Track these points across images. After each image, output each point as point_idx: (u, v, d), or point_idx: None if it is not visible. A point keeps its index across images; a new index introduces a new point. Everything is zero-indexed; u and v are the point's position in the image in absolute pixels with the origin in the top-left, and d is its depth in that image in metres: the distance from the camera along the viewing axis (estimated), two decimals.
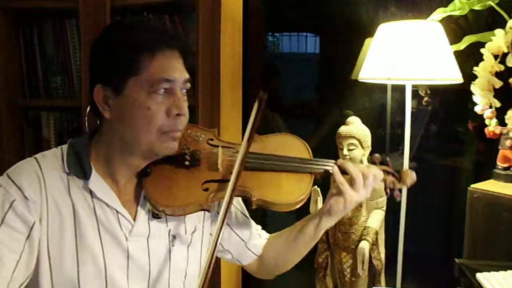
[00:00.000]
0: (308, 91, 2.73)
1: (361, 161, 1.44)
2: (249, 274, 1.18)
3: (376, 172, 0.98)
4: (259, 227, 1.14)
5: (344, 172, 0.97)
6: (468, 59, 1.64)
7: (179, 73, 0.88)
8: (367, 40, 1.95)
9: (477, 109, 1.62)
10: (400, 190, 1.03)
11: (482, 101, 1.59)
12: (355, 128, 1.45)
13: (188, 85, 0.91)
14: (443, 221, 2.30)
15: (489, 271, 1.18)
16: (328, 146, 1.50)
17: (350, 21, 2.18)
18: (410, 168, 1.26)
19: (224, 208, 0.85)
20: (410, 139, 1.54)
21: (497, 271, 1.19)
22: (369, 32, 1.69)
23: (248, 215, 1.12)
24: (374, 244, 1.47)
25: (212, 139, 1.00)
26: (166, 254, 0.95)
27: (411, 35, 1.43)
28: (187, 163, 0.94)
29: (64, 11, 1.74)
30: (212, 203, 0.94)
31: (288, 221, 1.16)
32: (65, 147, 0.93)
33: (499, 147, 1.60)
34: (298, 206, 0.96)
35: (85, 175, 0.89)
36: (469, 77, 1.57)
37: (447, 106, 2.20)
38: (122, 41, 0.87)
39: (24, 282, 0.84)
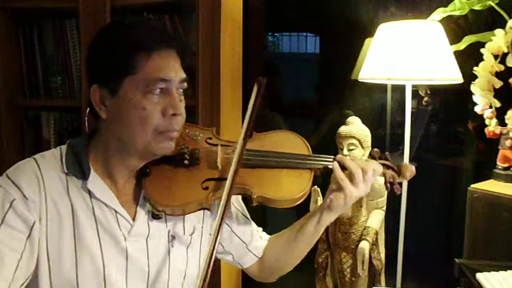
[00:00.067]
0: (308, 91, 2.74)
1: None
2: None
3: (375, 166, 0.97)
4: (260, 229, 1.14)
5: (343, 167, 0.97)
6: (468, 59, 1.64)
7: (175, 73, 0.88)
8: (367, 40, 1.95)
9: (477, 109, 1.62)
10: (400, 184, 1.03)
11: (482, 101, 1.60)
12: (355, 128, 1.45)
13: (185, 84, 0.91)
14: (443, 221, 2.30)
15: (489, 271, 1.18)
16: (328, 145, 1.50)
17: (350, 21, 2.18)
18: None
19: (223, 203, 0.85)
20: (410, 139, 1.54)
21: (497, 271, 1.19)
22: (369, 32, 1.69)
23: (249, 216, 1.11)
24: (374, 244, 1.47)
25: (210, 138, 1.00)
26: (165, 255, 0.95)
27: (411, 35, 1.43)
28: (186, 162, 0.94)
29: (64, 11, 1.74)
30: (212, 202, 0.93)
31: (288, 220, 1.16)
32: (64, 147, 0.93)
33: (499, 147, 1.60)
34: (298, 202, 0.96)
35: (83, 175, 0.89)
36: (469, 77, 1.57)
37: (447, 106, 2.20)
38: (118, 40, 0.87)
39: (25, 282, 0.84)
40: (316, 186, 1.45)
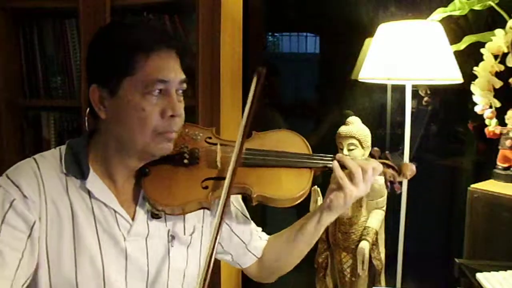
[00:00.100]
0: (308, 91, 2.73)
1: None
2: None
3: (375, 165, 0.97)
4: (260, 229, 1.14)
5: (343, 166, 0.97)
6: (468, 59, 1.64)
7: (175, 74, 0.88)
8: (367, 40, 1.95)
9: (477, 109, 1.62)
10: (400, 183, 1.03)
11: (482, 101, 1.60)
12: (355, 128, 1.45)
13: (184, 85, 0.91)
14: (443, 221, 2.30)
15: (489, 271, 1.18)
16: (328, 145, 1.50)
17: (350, 21, 2.18)
18: None
19: (222, 203, 0.84)
20: (410, 139, 1.54)
21: (497, 271, 1.19)
22: (369, 32, 1.69)
23: (248, 216, 1.11)
24: (374, 244, 1.47)
25: (210, 137, 1.00)
26: (165, 255, 0.95)
27: (411, 35, 1.43)
28: (186, 161, 0.94)
29: (64, 11, 1.74)
30: (212, 201, 0.93)
31: (288, 220, 1.16)
32: (63, 147, 0.93)
33: (499, 147, 1.60)
34: (298, 201, 0.96)
35: (83, 176, 0.89)
36: (469, 77, 1.57)
37: (447, 106, 2.20)
38: (118, 41, 0.86)
39: (26, 281, 0.84)
40: (316, 186, 1.45)
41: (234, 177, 0.88)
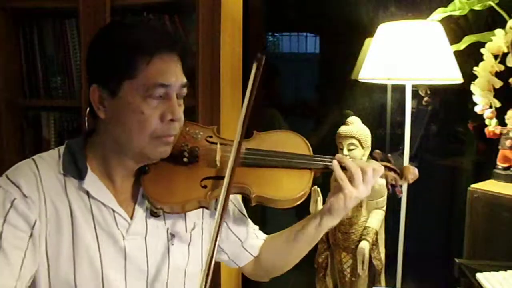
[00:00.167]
0: (308, 91, 2.73)
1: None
2: None
3: (376, 167, 0.96)
4: (257, 227, 1.14)
5: (343, 167, 0.96)
6: (468, 59, 1.64)
7: (176, 78, 0.87)
8: (367, 40, 1.95)
9: (477, 109, 1.62)
10: (402, 187, 1.02)
11: (482, 101, 1.60)
12: (355, 128, 1.45)
13: (185, 90, 0.90)
14: (443, 221, 2.29)
15: (489, 271, 1.18)
16: (328, 145, 1.50)
17: (350, 21, 2.18)
18: None
19: (222, 199, 0.84)
20: (410, 139, 1.54)
21: (497, 271, 1.19)
22: (369, 32, 1.69)
23: (245, 214, 1.11)
24: (374, 244, 1.47)
25: (211, 137, 1.00)
26: (164, 253, 0.94)
27: (411, 35, 1.43)
28: (185, 159, 0.94)
29: (64, 11, 1.74)
30: (211, 200, 0.93)
31: (288, 220, 1.16)
32: (62, 148, 0.93)
33: (499, 147, 1.60)
34: (298, 202, 0.95)
35: (80, 176, 0.89)
36: (469, 77, 1.57)
37: (447, 106, 2.20)
38: (119, 42, 0.86)
39: (29, 280, 0.84)
40: (316, 186, 1.45)
41: (233, 176, 0.87)
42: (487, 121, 1.61)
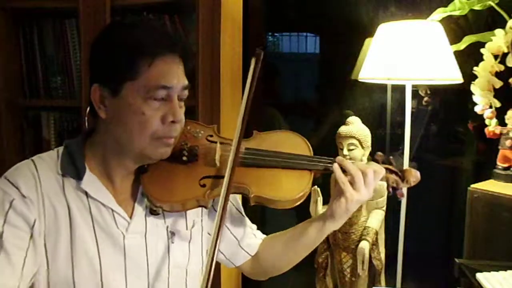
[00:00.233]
0: (308, 91, 2.73)
1: (361, 161, 1.44)
2: None
3: (376, 169, 0.96)
4: (254, 226, 1.14)
5: (343, 170, 0.96)
6: (468, 59, 1.64)
7: (178, 80, 0.87)
8: (367, 40, 1.95)
9: (477, 109, 1.62)
10: (403, 189, 1.02)
11: (482, 101, 1.59)
12: (355, 128, 1.45)
13: (186, 92, 0.90)
14: (443, 221, 2.29)
15: (489, 271, 1.18)
16: (328, 146, 1.50)
17: (350, 21, 2.18)
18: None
19: (222, 199, 0.84)
20: (410, 139, 1.54)
21: (497, 271, 1.19)
22: (369, 32, 1.69)
23: (243, 212, 1.11)
24: (374, 244, 1.47)
25: (211, 136, 1.00)
26: (164, 251, 0.95)
27: (411, 35, 1.43)
28: (184, 158, 0.94)
29: (64, 11, 1.74)
30: (209, 200, 0.93)
31: (288, 221, 1.16)
32: (61, 148, 0.93)
33: (499, 147, 1.60)
34: (297, 203, 0.95)
35: (79, 176, 0.89)
36: (469, 77, 1.57)
37: (447, 106, 2.20)
38: (122, 42, 0.86)
39: (31, 280, 0.84)
40: (316, 186, 1.45)
41: (233, 176, 0.87)
42: (487, 121, 1.61)
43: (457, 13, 1.62)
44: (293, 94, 2.79)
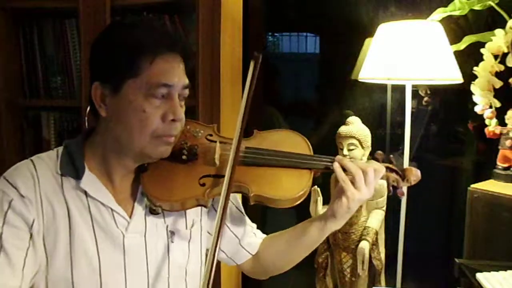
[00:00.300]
0: (308, 91, 2.73)
1: (361, 161, 1.44)
2: None
3: (377, 167, 0.96)
4: (254, 225, 1.14)
5: (343, 169, 0.96)
6: (468, 59, 1.64)
7: (179, 79, 0.88)
8: (367, 40, 1.95)
9: (477, 109, 1.62)
10: (403, 188, 1.02)
11: (482, 101, 1.59)
12: (355, 128, 1.45)
13: (187, 91, 0.91)
14: (443, 221, 2.29)
15: (489, 271, 1.18)
16: (328, 145, 1.50)
17: (350, 21, 2.18)
18: None
19: (223, 198, 0.84)
20: (410, 139, 1.54)
21: (497, 271, 1.19)
22: (369, 32, 1.69)
23: (243, 211, 1.11)
24: (374, 244, 1.47)
25: (211, 135, 1.00)
26: (164, 251, 0.95)
27: (411, 35, 1.43)
28: (184, 157, 0.94)
29: (64, 11, 1.74)
30: (209, 199, 0.93)
31: (288, 221, 1.15)
32: (60, 148, 0.93)
33: (499, 147, 1.60)
34: (297, 202, 0.95)
35: (78, 175, 0.89)
36: (469, 77, 1.57)
37: (447, 106, 2.20)
38: (123, 41, 0.86)
39: (32, 279, 0.84)
40: (316, 186, 1.45)
41: (233, 175, 0.87)
42: (487, 121, 1.61)
43: (457, 13, 1.62)
44: (293, 94, 2.79)
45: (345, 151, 1.44)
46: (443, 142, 2.30)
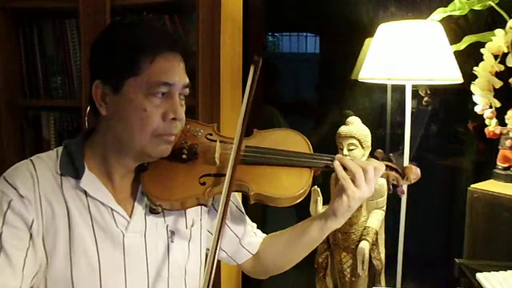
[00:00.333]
0: (308, 91, 2.73)
1: None
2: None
3: (376, 165, 0.96)
4: (254, 225, 1.14)
5: (343, 168, 0.96)
6: (468, 59, 1.64)
7: (179, 77, 0.88)
8: (367, 40, 1.95)
9: (477, 109, 1.62)
10: (403, 187, 1.02)
11: (482, 101, 1.59)
12: (355, 128, 1.45)
13: (187, 90, 0.91)
14: (443, 221, 2.29)
15: (489, 271, 1.18)
16: (328, 146, 1.50)
17: (350, 21, 2.18)
18: None
19: (224, 197, 0.84)
20: (410, 139, 1.54)
21: (497, 271, 1.19)
22: (369, 32, 1.69)
23: (243, 211, 1.11)
24: (374, 244, 1.47)
25: (211, 134, 1.00)
26: (164, 250, 0.95)
27: (411, 35, 1.43)
28: (184, 156, 0.94)
29: (64, 11, 1.74)
30: (209, 198, 0.93)
31: (288, 220, 1.15)
32: (60, 148, 0.93)
33: (499, 147, 1.60)
34: (297, 201, 0.95)
35: (77, 175, 0.89)
36: (469, 77, 1.57)
37: (447, 106, 2.20)
38: (124, 40, 0.86)
39: (33, 279, 0.85)
40: (316, 186, 1.45)
41: (234, 175, 0.87)
42: (487, 121, 1.61)
43: (457, 13, 1.62)
44: (293, 94, 2.79)
45: (345, 151, 1.44)
46: (443, 142, 2.30)
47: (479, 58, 1.56)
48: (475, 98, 1.61)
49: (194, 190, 0.92)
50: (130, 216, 0.92)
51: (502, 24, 1.52)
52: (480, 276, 1.16)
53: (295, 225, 1.07)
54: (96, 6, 1.65)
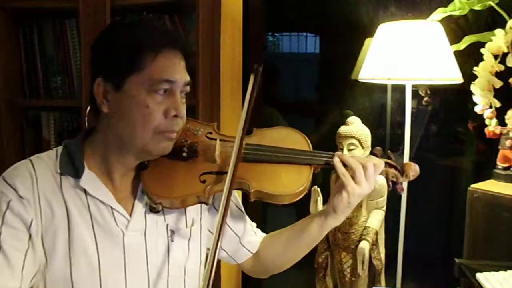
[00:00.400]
0: (308, 91, 2.73)
1: None
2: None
3: (376, 162, 0.96)
4: (254, 224, 1.14)
5: (343, 165, 0.96)
6: (468, 59, 1.64)
7: (180, 75, 0.89)
8: (367, 40, 1.95)
9: (477, 109, 1.62)
10: (403, 184, 1.02)
11: (482, 101, 1.60)
12: (355, 128, 1.45)
13: (188, 88, 0.92)
14: (443, 221, 2.29)
15: (489, 271, 1.18)
16: (328, 145, 1.50)
17: (350, 21, 2.18)
18: None
19: (225, 194, 0.85)
20: (410, 139, 1.54)
21: (497, 271, 1.19)
22: (369, 32, 1.69)
23: (243, 210, 1.11)
24: (374, 244, 1.47)
25: (211, 133, 1.01)
26: (164, 249, 0.95)
27: (411, 35, 1.43)
28: (184, 154, 0.95)
29: (64, 11, 1.74)
30: (210, 196, 0.94)
31: (288, 220, 1.15)
32: (60, 148, 0.93)
33: (499, 147, 1.60)
34: (297, 198, 0.95)
35: (77, 174, 0.89)
36: (469, 77, 1.57)
37: (447, 106, 2.20)
38: (125, 40, 0.87)
39: (32, 280, 0.85)
40: (316, 186, 1.45)
41: (235, 177, 0.88)
42: (487, 121, 1.61)
43: (457, 13, 1.62)
44: (293, 94, 2.79)
45: (345, 151, 1.44)
46: (443, 142, 2.30)
47: (479, 58, 1.57)
48: (475, 98, 1.61)
49: (194, 188, 0.92)
50: (130, 215, 0.92)
51: (502, 24, 1.52)
52: (480, 276, 1.16)
53: (294, 223, 1.07)
54: (96, 6, 1.65)
